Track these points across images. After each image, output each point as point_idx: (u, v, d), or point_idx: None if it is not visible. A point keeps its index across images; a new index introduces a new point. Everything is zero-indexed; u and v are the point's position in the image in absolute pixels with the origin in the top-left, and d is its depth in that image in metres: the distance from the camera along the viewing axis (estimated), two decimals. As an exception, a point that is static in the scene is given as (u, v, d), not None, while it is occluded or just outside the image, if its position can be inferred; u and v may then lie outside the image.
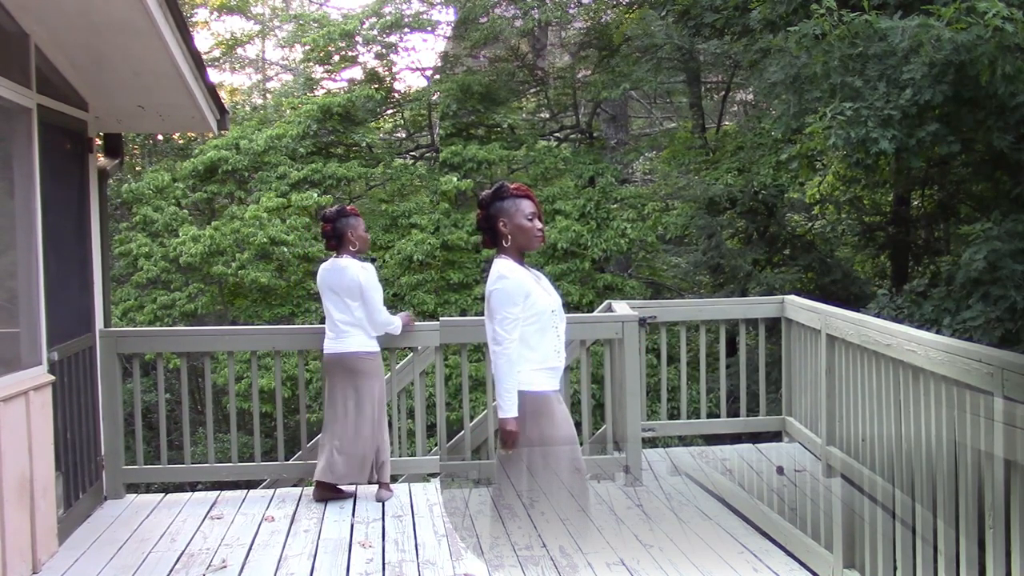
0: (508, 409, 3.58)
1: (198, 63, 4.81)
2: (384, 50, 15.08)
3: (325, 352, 5.18)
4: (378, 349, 5.18)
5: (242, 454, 6.29)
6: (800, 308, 5.76)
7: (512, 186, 3.76)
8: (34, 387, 4.09)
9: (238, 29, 19.65)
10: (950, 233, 9.71)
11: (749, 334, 6.65)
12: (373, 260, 12.65)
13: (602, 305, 6.46)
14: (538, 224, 3.70)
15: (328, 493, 5.16)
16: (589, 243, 12.22)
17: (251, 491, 5.49)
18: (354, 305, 5.09)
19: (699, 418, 6.31)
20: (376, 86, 14.78)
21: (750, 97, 14.96)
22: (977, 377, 3.30)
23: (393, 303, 11.60)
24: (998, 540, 2.91)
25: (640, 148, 15.20)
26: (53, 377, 4.33)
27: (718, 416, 6.52)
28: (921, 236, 10.10)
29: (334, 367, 5.13)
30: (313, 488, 5.21)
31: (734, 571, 4.03)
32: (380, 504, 5.07)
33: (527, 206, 3.69)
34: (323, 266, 5.25)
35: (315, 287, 12.02)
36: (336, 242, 5.19)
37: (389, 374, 5.79)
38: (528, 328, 3.63)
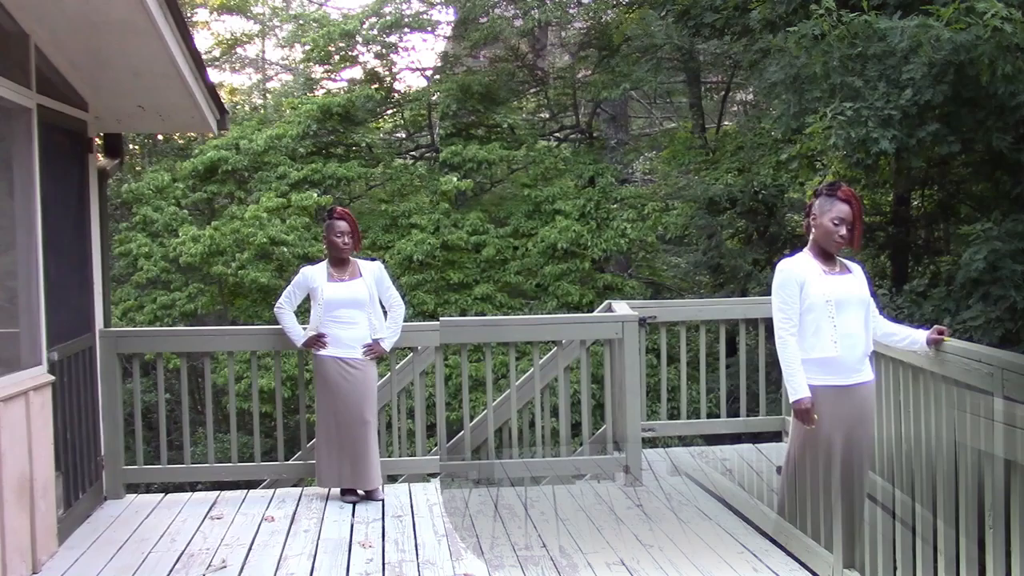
0: (791, 392, 3.79)
1: (198, 63, 4.81)
2: (384, 50, 15.09)
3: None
4: None
5: (242, 454, 6.28)
6: (800, 308, 5.75)
7: (840, 187, 3.90)
8: (34, 387, 4.09)
9: (238, 29, 19.68)
10: (950, 233, 9.68)
11: (749, 334, 6.63)
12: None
13: (602, 305, 6.46)
14: (842, 231, 3.81)
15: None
16: (589, 243, 12.23)
17: (251, 491, 5.49)
18: None
19: (699, 418, 6.30)
20: (376, 86, 14.79)
21: (750, 97, 14.96)
22: (977, 377, 3.30)
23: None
24: (998, 540, 2.91)
25: (640, 148, 15.21)
26: (53, 377, 4.33)
27: (718, 416, 6.51)
28: (921, 236, 10.08)
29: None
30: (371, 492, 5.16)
31: (734, 571, 4.03)
32: (380, 504, 5.07)
33: (840, 210, 3.82)
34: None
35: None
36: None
37: (388, 374, 5.80)
38: (805, 318, 3.80)
